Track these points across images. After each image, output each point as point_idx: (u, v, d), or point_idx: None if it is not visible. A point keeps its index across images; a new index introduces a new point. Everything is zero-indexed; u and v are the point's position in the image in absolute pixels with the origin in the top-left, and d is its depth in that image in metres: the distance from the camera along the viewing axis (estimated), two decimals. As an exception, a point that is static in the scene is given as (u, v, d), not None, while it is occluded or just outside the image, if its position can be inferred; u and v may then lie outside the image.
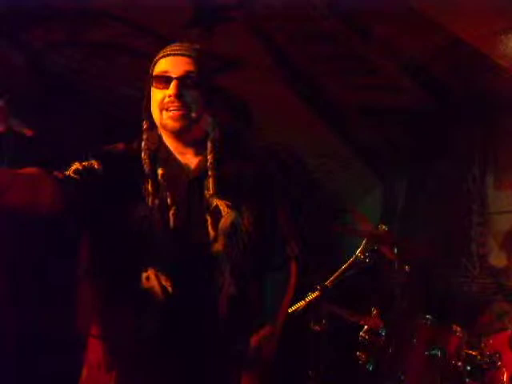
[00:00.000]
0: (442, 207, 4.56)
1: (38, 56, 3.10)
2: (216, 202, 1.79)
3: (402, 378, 2.91)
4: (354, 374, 3.09)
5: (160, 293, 1.72)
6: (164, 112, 1.77)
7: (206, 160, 1.82)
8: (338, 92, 4.30)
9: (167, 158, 1.83)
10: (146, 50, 3.32)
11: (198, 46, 1.85)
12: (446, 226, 4.49)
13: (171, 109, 1.75)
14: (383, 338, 3.02)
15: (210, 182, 1.79)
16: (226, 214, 1.79)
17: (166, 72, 1.77)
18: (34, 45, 3.07)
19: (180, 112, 1.75)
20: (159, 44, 3.30)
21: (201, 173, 1.82)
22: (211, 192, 1.78)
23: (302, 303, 2.97)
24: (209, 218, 1.78)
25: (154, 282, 1.73)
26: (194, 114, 1.78)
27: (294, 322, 3.06)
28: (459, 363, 2.87)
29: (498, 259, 4.24)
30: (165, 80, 1.76)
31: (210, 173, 1.80)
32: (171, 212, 1.76)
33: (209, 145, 1.84)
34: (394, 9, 3.31)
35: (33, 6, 2.94)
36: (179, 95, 1.74)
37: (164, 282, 1.72)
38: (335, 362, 3.25)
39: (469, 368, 2.86)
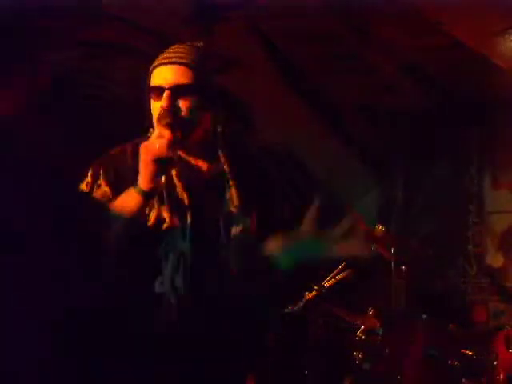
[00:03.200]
0: (440, 207, 4.57)
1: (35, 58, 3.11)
2: (231, 208, 1.79)
3: (399, 377, 2.92)
4: (351, 373, 3.10)
5: (173, 296, 1.72)
6: (158, 123, 1.72)
7: (218, 164, 1.81)
8: (336, 91, 4.28)
9: (177, 160, 1.81)
10: (146, 50, 3.33)
11: (200, 44, 1.81)
12: (443, 225, 4.49)
13: (163, 123, 1.70)
14: (380, 337, 3.03)
15: (233, 193, 1.79)
16: (239, 220, 1.81)
17: (158, 83, 1.73)
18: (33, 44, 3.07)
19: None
20: (159, 43, 3.29)
21: (214, 175, 1.81)
22: (234, 203, 1.78)
23: (299, 303, 3.02)
24: (222, 222, 1.78)
25: (168, 286, 1.73)
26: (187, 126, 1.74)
27: (291, 321, 3.08)
28: (456, 363, 2.88)
29: (494, 259, 4.26)
30: (158, 91, 1.72)
31: (230, 182, 1.79)
32: (189, 213, 1.75)
33: (220, 154, 1.82)
34: (392, 9, 3.32)
35: (33, 7, 2.94)
36: (170, 107, 1.70)
37: (177, 284, 1.72)
38: (332, 361, 3.27)
39: (464, 367, 2.88)
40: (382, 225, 3.23)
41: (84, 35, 3.33)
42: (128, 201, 1.69)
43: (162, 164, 1.65)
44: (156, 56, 1.81)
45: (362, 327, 3.07)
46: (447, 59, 3.79)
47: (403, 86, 4.14)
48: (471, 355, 2.91)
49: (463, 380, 2.88)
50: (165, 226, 1.73)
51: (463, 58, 3.69)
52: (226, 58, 3.45)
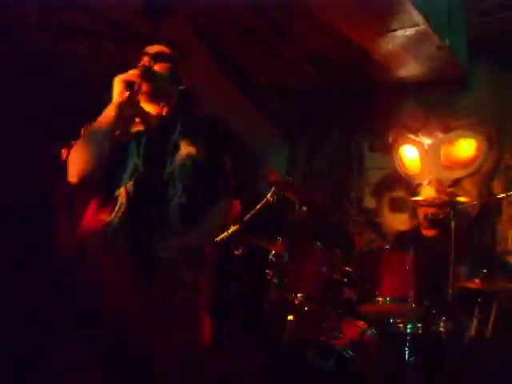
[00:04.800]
0: (332, 164, 4.69)
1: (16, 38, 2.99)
2: (179, 139, 1.94)
3: (299, 286, 2.96)
4: (265, 285, 3.17)
5: (125, 199, 1.86)
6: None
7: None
8: (256, 73, 4.30)
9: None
10: (106, 34, 3.27)
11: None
12: (334, 178, 4.63)
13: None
14: (286, 259, 3.11)
15: (178, 125, 1.95)
16: (184, 148, 1.94)
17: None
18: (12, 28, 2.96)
19: None
20: (117, 30, 3.24)
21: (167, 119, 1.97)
22: (177, 132, 1.94)
23: (225, 234, 3.06)
24: (171, 150, 1.93)
25: (123, 192, 1.87)
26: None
27: (219, 248, 3.17)
28: (338, 276, 2.97)
29: (369, 202, 4.44)
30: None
31: (178, 120, 1.96)
32: (144, 139, 1.92)
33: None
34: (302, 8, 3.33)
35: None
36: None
37: (130, 191, 1.86)
38: (251, 277, 3.37)
39: (345, 280, 2.98)
40: (289, 176, 3.34)
41: (53, 21, 3.22)
42: (106, 112, 1.85)
43: (128, 84, 1.84)
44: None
45: (273, 252, 3.16)
46: (341, 51, 3.83)
47: (307, 71, 4.19)
48: (350, 270, 2.99)
49: (343, 288, 2.98)
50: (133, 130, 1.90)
51: (353, 51, 3.76)
52: (171, 45, 3.42)
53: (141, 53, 2.01)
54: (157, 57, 1.98)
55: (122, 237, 1.83)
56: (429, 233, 3.49)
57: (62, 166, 1.96)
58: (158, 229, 1.86)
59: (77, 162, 1.84)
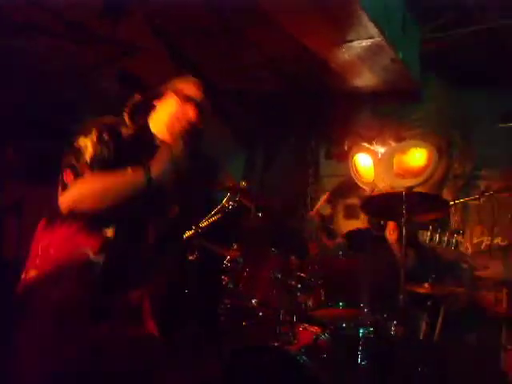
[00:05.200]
0: (290, 170, 4.75)
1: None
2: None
3: (254, 293, 2.99)
4: (220, 291, 3.16)
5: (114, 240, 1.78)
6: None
7: None
8: (214, 77, 4.26)
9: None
10: (65, 33, 3.19)
11: None
12: (291, 184, 4.67)
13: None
14: (241, 265, 3.11)
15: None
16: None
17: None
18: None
19: None
20: (76, 29, 3.17)
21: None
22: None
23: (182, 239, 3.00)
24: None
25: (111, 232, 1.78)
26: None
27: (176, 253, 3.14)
28: (293, 282, 2.99)
29: (324, 209, 4.49)
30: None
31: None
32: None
33: None
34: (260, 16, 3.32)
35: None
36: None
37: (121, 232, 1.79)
38: (206, 282, 3.30)
39: (299, 286, 3.00)
40: (245, 181, 3.35)
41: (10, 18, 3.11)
42: (132, 180, 1.68)
43: (175, 165, 1.70)
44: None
45: (228, 257, 3.15)
46: (300, 58, 3.87)
47: (265, 74, 4.21)
48: (304, 277, 3.02)
49: (298, 294, 3.00)
50: None
51: (310, 60, 3.80)
52: (129, 44, 3.37)
53: (177, 89, 1.94)
54: (201, 107, 1.94)
55: (99, 274, 1.74)
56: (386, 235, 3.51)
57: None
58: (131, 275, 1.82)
59: (86, 198, 1.68)
